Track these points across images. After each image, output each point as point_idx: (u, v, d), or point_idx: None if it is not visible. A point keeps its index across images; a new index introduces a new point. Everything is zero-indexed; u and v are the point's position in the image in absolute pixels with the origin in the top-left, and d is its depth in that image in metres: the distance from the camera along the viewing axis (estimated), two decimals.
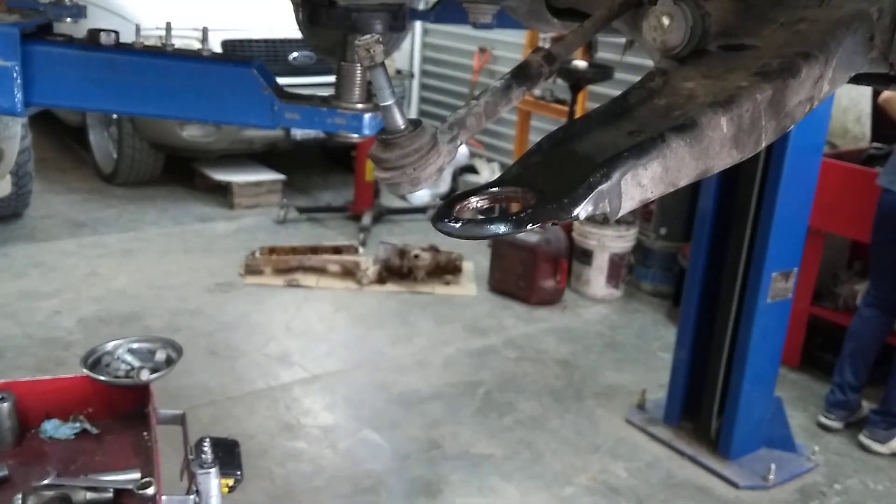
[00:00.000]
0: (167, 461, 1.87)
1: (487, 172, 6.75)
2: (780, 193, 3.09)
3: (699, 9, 0.74)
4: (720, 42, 0.75)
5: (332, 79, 1.49)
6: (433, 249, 5.13)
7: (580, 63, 5.33)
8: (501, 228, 0.54)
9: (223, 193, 6.32)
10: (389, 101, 0.66)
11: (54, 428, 1.97)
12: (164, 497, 1.71)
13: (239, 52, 5.67)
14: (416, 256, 5.04)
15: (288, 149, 6.62)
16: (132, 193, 6.32)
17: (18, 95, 1.33)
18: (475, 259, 5.35)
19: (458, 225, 0.55)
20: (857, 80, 0.79)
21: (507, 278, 4.97)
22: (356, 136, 1.45)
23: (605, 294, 5.07)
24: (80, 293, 4.60)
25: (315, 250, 5.20)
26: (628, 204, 0.59)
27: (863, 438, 3.67)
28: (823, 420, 3.81)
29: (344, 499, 3.08)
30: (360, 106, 1.43)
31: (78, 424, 1.99)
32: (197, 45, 1.51)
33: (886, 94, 3.91)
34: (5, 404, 1.90)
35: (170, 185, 6.55)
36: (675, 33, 0.73)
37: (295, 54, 5.91)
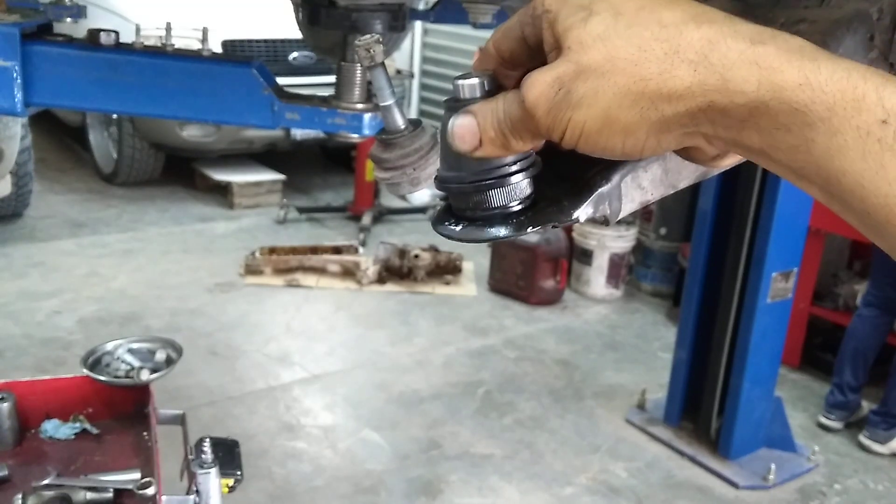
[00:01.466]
0: (167, 461, 1.87)
1: None
2: (780, 193, 3.09)
3: None
4: None
5: (332, 79, 1.49)
6: (433, 249, 5.13)
7: None
8: (502, 232, 0.54)
9: (223, 193, 6.32)
10: (389, 101, 0.66)
11: (54, 428, 1.97)
12: (164, 497, 1.70)
13: (239, 52, 5.67)
14: (416, 256, 5.04)
15: (288, 149, 6.62)
16: (132, 193, 6.33)
17: (18, 95, 1.33)
18: (475, 259, 5.35)
19: (458, 228, 0.56)
20: None
21: (506, 278, 4.97)
22: (356, 136, 1.45)
23: (605, 294, 5.07)
24: (80, 293, 4.60)
25: (315, 250, 5.20)
26: (628, 206, 0.59)
27: (863, 438, 3.67)
28: (823, 420, 3.81)
29: (344, 499, 3.08)
30: (360, 106, 1.43)
31: (78, 424, 1.99)
32: (197, 45, 1.51)
33: None
34: (5, 404, 1.90)
35: (170, 185, 6.55)
36: None
37: (295, 54, 5.91)
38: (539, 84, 0.48)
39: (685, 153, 0.53)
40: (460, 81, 0.53)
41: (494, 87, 0.54)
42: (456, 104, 0.54)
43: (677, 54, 0.45)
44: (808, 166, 0.44)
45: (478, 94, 0.53)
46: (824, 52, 0.45)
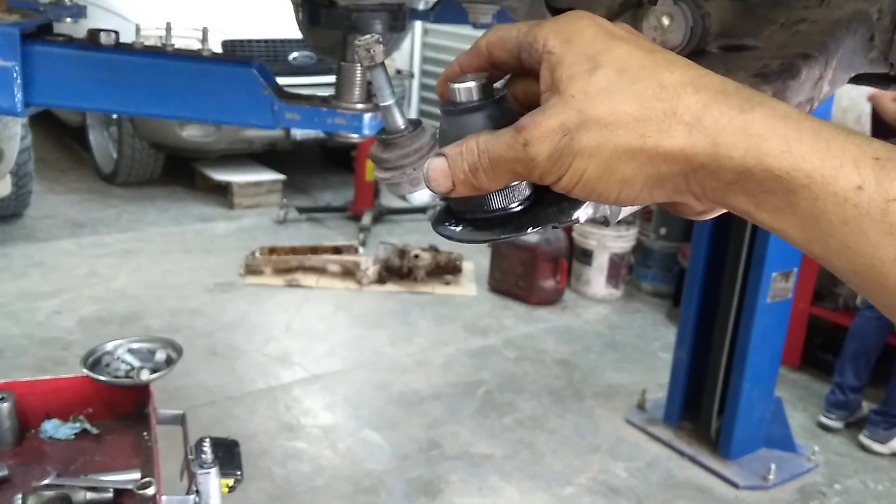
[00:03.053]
0: (167, 461, 1.87)
1: None
2: None
3: (699, 9, 0.74)
4: (720, 42, 0.75)
5: (332, 79, 1.49)
6: (433, 249, 5.13)
7: None
8: (502, 233, 0.54)
9: (223, 193, 6.32)
10: (389, 101, 0.66)
11: (54, 428, 1.97)
12: (164, 497, 1.70)
13: (239, 52, 5.67)
14: (416, 256, 5.04)
15: (288, 149, 6.62)
16: (132, 193, 6.33)
17: (18, 95, 1.33)
18: (475, 259, 5.35)
19: (458, 229, 0.56)
20: (857, 80, 0.79)
21: (506, 278, 4.97)
22: (356, 136, 1.45)
23: (605, 294, 5.07)
24: (80, 293, 4.60)
25: (315, 250, 5.20)
26: (628, 207, 0.59)
27: (863, 438, 3.67)
28: (823, 420, 3.81)
29: (344, 499, 3.08)
30: (360, 106, 1.43)
31: (78, 424, 1.99)
32: (197, 45, 1.51)
33: (875, 91, 3.90)
34: (5, 404, 1.90)
35: (170, 185, 6.55)
36: (675, 33, 0.73)
37: (295, 54, 5.91)
38: (542, 128, 0.49)
39: (672, 207, 0.56)
40: (456, 85, 0.53)
41: (490, 91, 0.53)
42: (452, 109, 0.54)
43: (675, 115, 0.47)
44: (792, 228, 0.47)
45: (474, 98, 0.53)
46: (809, 119, 0.46)
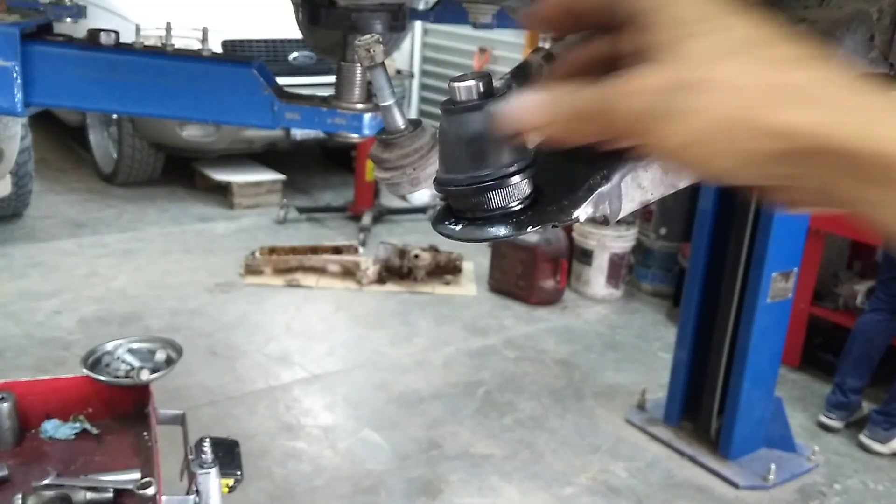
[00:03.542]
0: (167, 461, 1.87)
1: None
2: None
3: None
4: None
5: (332, 79, 1.49)
6: (433, 249, 5.13)
7: None
8: (502, 231, 0.54)
9: (223, 193, 6.32)
10: (389, 101, 0.66)
11: (54, 428, 1.97)
12: (164, 497, 1.70)
13: (239, 52, 5.67)
14: (416, 256, 5.04)
15: (288, 149, 6.62)
16: (132, 193, 6.33)
17: (18, 95, 1.33)
18: (475, 259, 5.35)
19: (458, 227, 0.56)
20: None
21: (506, 278, 4.97)
22: (356, 136, 1.45)
23: (605, 294, 5.07)
24: (80, 293, 4.60)
25: (315, 250, 5.20)
26: (628, 206, 0.58)
27: (863, 438, 3.67)
28: (824, 420, 3.80)
29: (344, 499, 3.08)
30: (360, 106, 1.43)
31: (78, 424, 1.99)
32: (197, 45, 1.51)
33: None
34: (5, 404, 1.90)
35: (170, 185, 6.55)
36: None
37: (295, 54, 5.91)
38: (639, 85, 0.47)
39: (758, 191, 0.52)
40: (456, 84, 0.53)
41: (491, 90, 0.53)
42: (452, 107, 0.53)
43: (780, 91, 0.45)
44: None
45: (474, 97, 0.53)
46: None
